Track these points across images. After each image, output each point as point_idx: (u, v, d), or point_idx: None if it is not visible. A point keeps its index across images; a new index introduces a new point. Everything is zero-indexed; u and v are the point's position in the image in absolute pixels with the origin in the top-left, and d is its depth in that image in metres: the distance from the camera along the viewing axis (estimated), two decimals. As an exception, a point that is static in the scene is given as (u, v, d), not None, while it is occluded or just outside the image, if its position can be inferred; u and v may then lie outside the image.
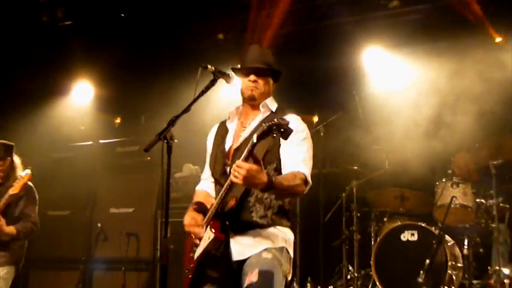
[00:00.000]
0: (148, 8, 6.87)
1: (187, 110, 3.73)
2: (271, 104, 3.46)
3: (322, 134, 6.41)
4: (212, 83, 3.88)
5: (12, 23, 7.04)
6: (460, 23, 6.62)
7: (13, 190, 4.99)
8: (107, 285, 6.82)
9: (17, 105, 7.35)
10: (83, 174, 7.18)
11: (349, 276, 6.25)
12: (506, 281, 5.83)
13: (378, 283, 5.88)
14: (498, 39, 6.74)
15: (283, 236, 3.32)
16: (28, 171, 5.09)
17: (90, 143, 7.49)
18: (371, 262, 5.97)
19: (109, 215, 7.00)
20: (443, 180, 6.19)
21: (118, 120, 8.38)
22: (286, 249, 3.35)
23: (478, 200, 6.15)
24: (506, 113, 6.44)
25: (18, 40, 7.26)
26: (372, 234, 6.31)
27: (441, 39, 6.80)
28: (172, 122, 3.65)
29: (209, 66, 3.87)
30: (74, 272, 7.03)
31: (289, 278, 3.48)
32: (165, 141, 3.60)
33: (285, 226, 3.36)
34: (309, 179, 3.24)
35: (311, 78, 7.28)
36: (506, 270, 5.96)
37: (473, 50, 6.57)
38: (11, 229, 5.02)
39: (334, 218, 6.59)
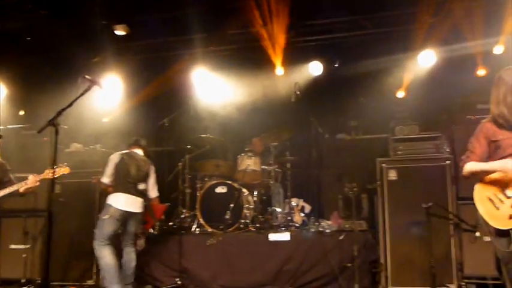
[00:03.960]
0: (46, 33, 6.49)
1: (70, 105, 3.81)
2: None
3: (167, 125, 6.35)
4: (89, 87, 3.98)
5: None
6: (255, 61, 6.97)
7: None
8: (13, 228, 6.29)
9: None
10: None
11: (182, 216, 6.34)
12: (279, 215, 6.26)
13: (201, 220, 6.06)
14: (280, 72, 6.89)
15: None
16: None
17: (1, 127, 6.94)
18: (197, 206, 6.14)
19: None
20: (243, 154, 6.44)
21: (22, 112, 7.79)
22: None
23: (263, 166, 6.48)
24: (282, 115, 6.92)
25: None
26: (198, 189, 6.41)
27: (245, 67, 7.04)
28: (58, 113, 3.71)
29: (87, 76, 3.98)
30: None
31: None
32: (54, 126, 3.68)
33: None
34: None
35: (161, 92, 7.24)
36: (278, 209, 6.46)
37: (262, 78, 6.98)
38: None
39: (175, 179, 6.66)
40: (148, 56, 7.20)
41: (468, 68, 6.39)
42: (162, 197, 6.78)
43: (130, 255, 5.24)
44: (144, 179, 5.33)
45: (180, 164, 6.59)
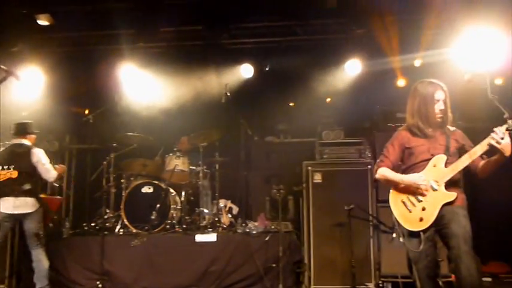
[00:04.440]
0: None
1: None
2: None
3: (91, 121, 6.08)
4: (4, 78, 3.75)
5: None
6: (186, 60, 6.94)
7: None
8: None
9: None
10: None
11: (106, 216, 6.15)
12: (206, 216, 6.27)
13: (125, 220, 5.93)
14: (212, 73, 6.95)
15: None
16: None
17: None
18: (121, 207, 5.99)
19: None
20: (171, 154, 6.39)
21: None
22: None
23: (191, 167, 6.46)
24: (212, 116, 6.85)
25: None
26: (123, 188, 6.23)
27: (176, 66, 6.97)
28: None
29: (2, 66, 3.74)
30: None
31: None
32: None
33: None
34: None
35: (86, 87, 6.98)
36: (206, 210, 6.42)
37: (193, 78, 6.96)
38: None
39: (99, 178, 6.46)
40: (73, 49, 6.89)
41: (390, 79, 6.78)
42: (84, 196, 6.64)
43: (38, 257, 5.05)
44: (27, 176, 5.02)
45: (105, 162, 6.40)
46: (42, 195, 5.28)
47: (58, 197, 5.85)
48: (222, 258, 5.59)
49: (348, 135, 6.13)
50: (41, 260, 5.03)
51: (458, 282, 3.17)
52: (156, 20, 6.10)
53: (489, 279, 5.86)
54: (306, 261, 5.62)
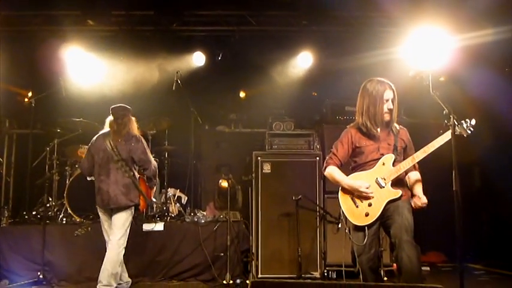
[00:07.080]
0: None
1: None
2: None
3: (33, 105, 5.80)
4: None
5: None
6: (137, 45, 6.73)
7: None
8: None
9: None
10: None
11: (48, 205, 5.96)
12: (154, 205, 6.08)
13: (69, 209, 5.75)
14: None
15: None
16: None
17: None
18: (64, 194, 5.80)
19: None
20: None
21: None
22: None
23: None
24: (162, 103, 6.74)
25: None
26: (67, 176, 6.05)
27: (126, 51, 6.78)
28: None
29: None
30: None
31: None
32: None
33: None
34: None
35: (29, 69, 6.71)
36: (154, 199, 6.14)
37: (143, 64, 6.78)
38: None
39: (41, 165, 6.22)
40: (15, 29, 6.54)
41: (340, 73, 6.91)
42: (25, 184, 6.34)
43: None
44: None
45: (47, 148, 6.16)
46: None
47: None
48: (169, 247, 5.57)
49: (298, 126, 6.22)
50: None
51: (399, 269, 3.33)
52: (107, 2, 5.91)
53: (427, 268, 6.18)
54: (253, 250, 5.68)
